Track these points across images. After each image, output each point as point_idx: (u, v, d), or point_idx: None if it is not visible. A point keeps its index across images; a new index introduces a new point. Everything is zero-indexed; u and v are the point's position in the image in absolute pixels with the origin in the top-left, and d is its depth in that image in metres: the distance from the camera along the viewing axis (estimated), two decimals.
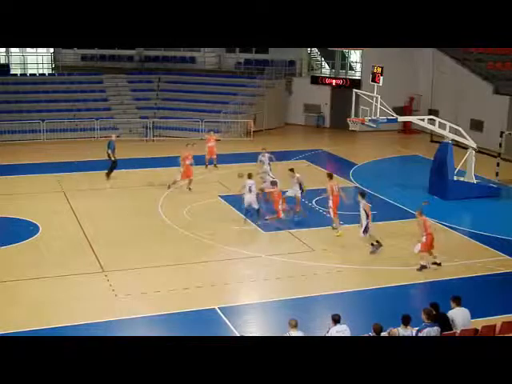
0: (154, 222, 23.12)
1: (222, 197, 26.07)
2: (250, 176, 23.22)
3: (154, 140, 37.94)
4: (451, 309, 13.37)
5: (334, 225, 22.30)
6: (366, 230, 20.24)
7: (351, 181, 29.32)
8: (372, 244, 20.44)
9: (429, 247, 19.15)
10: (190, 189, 26.68)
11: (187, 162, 26.55)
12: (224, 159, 31.39)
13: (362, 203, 20.44)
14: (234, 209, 24.07)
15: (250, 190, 22.71)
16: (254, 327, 16.02)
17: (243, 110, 40.11)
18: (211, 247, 20.76)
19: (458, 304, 13.41)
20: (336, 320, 12.61)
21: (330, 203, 22.32)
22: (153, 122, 38.83)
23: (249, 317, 16.61)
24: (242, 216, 23.16)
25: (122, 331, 15.16)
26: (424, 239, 18.99)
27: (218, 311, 16.26)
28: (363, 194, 21.02)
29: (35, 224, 22.53)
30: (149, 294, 17.29)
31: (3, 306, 16.49)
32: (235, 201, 24.14)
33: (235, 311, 16.60)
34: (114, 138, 29.10)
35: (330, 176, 23.01)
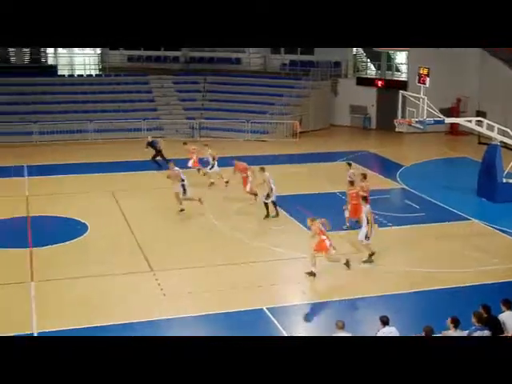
0: (201, 222, 23.23)
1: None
2: (263, 169, 23.59)
3: (200, 141, 38.14)
4: (502, 312, 13.14)
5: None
6: (367, 236, 19.52)
7: (399, 182, 29.06)
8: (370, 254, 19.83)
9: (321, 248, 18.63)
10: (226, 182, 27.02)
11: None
12: (269, 160, 31.37)
13: (365, 209, 19.85)
14: (280, 209, 23.99)
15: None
16: (301, 328, 15.97)
17: (289, 111, 40.08)
18: (258, 248, 20.75)
19: (509, 307, 13.17)
20: (384, 322, 12.51)
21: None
22: (199, 123, 39.07)
23: (296, 317, 16.56)
24: (274, 209, 23.36)
25: (169, 331, 15.23)
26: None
27: (266, 312, 16.23)
28: (365, 199, 20.57)
29: (84, 223, 22.82)
30: (196, 294, 17.35)
31: (52, 304, 16.73)
32: (282, 201, 24.05)
33: (283, 312, 16.54)
34: (150, 138, 30.73)
35: (365, 176, 23.05)
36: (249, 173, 24.86)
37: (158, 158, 30.61)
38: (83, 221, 23.03)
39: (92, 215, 23.59)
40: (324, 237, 18.28)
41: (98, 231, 22.16)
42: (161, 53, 46.31)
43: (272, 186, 23.27)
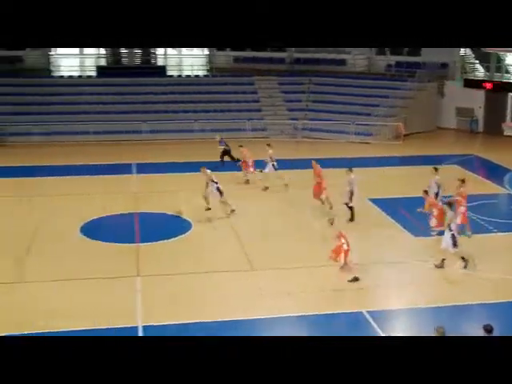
0: (303, 223, 23.31)
1: (371, 200, 25.85)
2: (351, 170, 23.21)
3: (303, 142, 38.30)
4: None
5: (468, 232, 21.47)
6: (455, 244, 18.80)
7: (506, 188, 28.21)
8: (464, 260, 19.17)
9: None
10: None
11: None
12: (374, 162, 31.13)
13: (449, 215, 19.12)
14: (383, 213, 23.74)
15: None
16: (400, 332, 15.80)
17: (393, 113, 39.62)
18: (361, 250, 20.58)
19: None
20: (488, 330, 12.24)
21: (463, 209, 21.41)
22: (303, 124, 39.22)
23: (395, 322, 16.44)
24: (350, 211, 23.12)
25: (266, 330, 15.37)
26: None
27: (366, 314, 16.18)
28: (450, 204, 19.69)
29: (188, 221, 23.40)
30: (295, 294, 17.42)
31: (157, 298, 17.24)
32: (385, 204, 23.82)
33: (382, 315, 16.44)
34: (218, 137, 31.20)
35: (463, 181, 22.15)
36: (322, 179, 24.11)
37: (226, 157, 31.21)
38: (187, 218, 23.59)
39: (196, 213, 24.03)
40: (343, 241, 18.37)
41: (201, 229, 22.65)
42: (266, 54, 46.74)
43: (355, 189, 22.90)
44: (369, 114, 39.42)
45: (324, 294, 17.52)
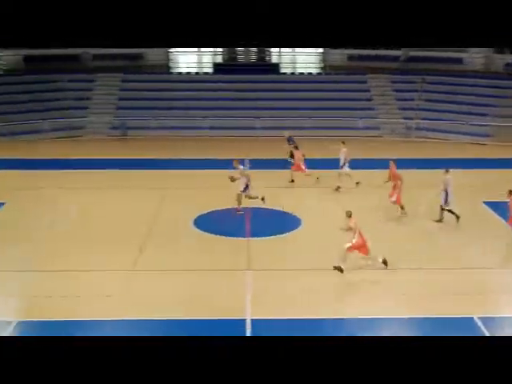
0: (424, 224, 23.06)
1: (486, 203, 25.26)
2: (447, 172, 22.77)
3: (415, 141, 37.86)
4: None
5: None
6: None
7: None
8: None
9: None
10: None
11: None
12: (492, 164, 30.28)
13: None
14: (498, 217, 23.18)
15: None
16: None
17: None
18: (478, 255, 20.30)
19: None
20: None
21: None
22: (416, 123, 38.76)
23: (509, 330, 15.93)
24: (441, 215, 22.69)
25: (380, 330, 15.30)
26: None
27: (477, 321, 15.77)
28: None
29: (298, 218, 23.66)
30: (409, 295, 17.28)
31: (266, 293, 17.47)
32: (501, 208, 23.22)
33: (495, 322, 16.05)
34: (286, 135, 30.99)
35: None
36: (399, 182, 23.57)
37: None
38: (297, 216, 23.87)
39: (306, 211, 24.30)
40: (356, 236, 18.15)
41: (311, 226, 22.85)
42: (380, 52, 46.39)
43: (449, 189, 22.41)
44: (485, 115, 38.44)
45: (447, 297, 17.19)
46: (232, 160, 24.61)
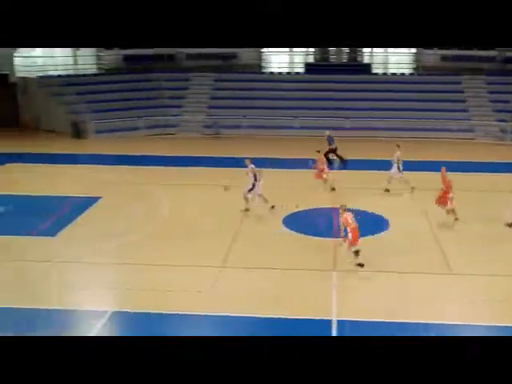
0: (495, 228, 22.69)
1: None
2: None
3: (510, 144, 37.00)
4: None
5: None
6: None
7: None
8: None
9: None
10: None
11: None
12: None
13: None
14: None
15: None
16: None
17: None
18: None
19: None
20: None
21: None
22: (510, 126, 37.87)
23: None
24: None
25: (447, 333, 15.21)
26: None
27: None
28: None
29: (385, 219, 23.66)
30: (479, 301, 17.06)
31: (352, 294, 17.76)
32: None
33: None
34: (327, 134, 30.89)
35: None
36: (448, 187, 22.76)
37: (332, 155, 30.94)
38: (384, 216, 23.89)
39: (393, 212, 24.28)
40: (348, 229, 18.53)
41: (398, 229, 22.81)
42: (475, 52, 45.49)
43: None
44: None
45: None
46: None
